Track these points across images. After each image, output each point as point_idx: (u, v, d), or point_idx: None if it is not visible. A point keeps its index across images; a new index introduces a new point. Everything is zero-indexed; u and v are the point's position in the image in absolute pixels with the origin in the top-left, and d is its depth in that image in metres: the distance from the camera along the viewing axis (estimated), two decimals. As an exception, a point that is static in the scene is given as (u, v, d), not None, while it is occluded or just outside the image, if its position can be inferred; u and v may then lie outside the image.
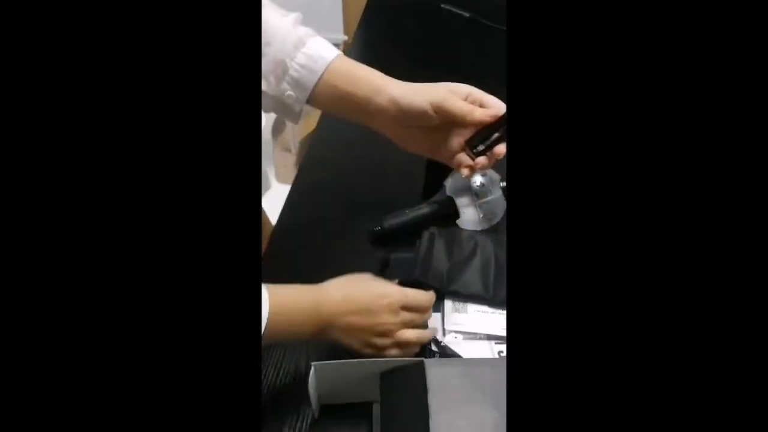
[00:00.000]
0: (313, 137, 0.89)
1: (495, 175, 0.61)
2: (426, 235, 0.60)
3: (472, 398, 0.36)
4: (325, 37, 0.51)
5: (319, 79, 0.49)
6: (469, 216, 0.61)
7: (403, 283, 0.50)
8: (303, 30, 0.51)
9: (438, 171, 0.63)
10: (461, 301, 0.54)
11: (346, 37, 1.58)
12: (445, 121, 0.47)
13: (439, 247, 0.59)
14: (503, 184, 0.61)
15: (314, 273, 0.49)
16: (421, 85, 0.48)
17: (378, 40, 1.21)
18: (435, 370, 0.37)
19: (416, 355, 0.46)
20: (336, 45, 0.51)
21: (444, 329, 0.52)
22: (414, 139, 0.50)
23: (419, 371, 0.38)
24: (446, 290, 0.54)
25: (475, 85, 0.49)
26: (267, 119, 1.32)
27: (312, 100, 0.51)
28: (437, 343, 0.50)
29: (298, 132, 1.91)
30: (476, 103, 0.48)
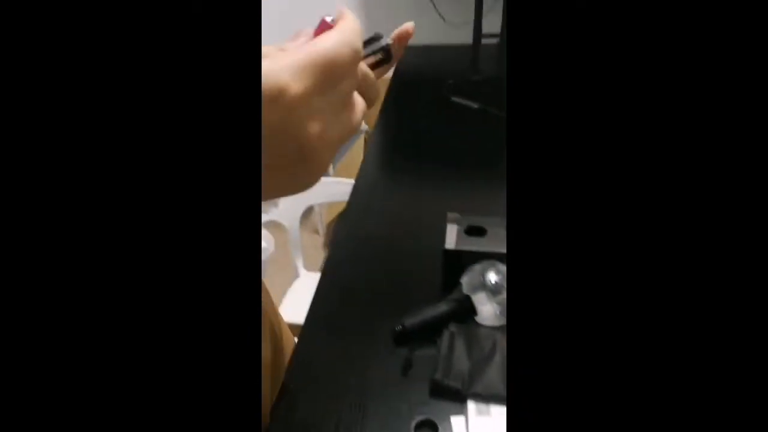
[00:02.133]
0: (337, 223, 0.96)
1: (509, 272, 0.64)
2: (446, 334, 0.62)
3: None
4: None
5: None
6: (486, 313, 0.63)
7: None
8: None
9: (455, 268, 0.67)
10: (484, 403, 0.55)
11: (367, 127, 1.69)
12: None
13: (460, 346, 0.61)
14: (517, 280, 0.63)
15: (340, 374, 0.52)
16: None
17: (396, 128, 1.30)
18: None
19: None
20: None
21: (468, 433, 0.53)
22: None
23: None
24: (468, 392, 0.56)
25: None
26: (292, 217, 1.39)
27: None
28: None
29: (324, 215, 2.00)
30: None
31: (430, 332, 0.63)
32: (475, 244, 0.69)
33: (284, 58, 0.25)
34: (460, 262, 0.67)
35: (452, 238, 0.71)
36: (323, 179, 1.16)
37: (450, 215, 0.75)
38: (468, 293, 0.63)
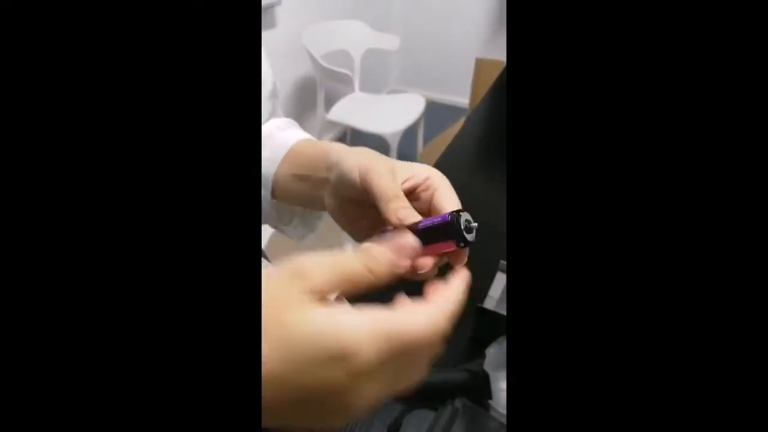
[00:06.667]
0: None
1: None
2: (449, 409, 0.52)
3: None
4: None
5: (277, 168, 0.41)
6: (503, 400, 0.52)
7: None
8: (274, 123, 0.46)
9: (488, 331, 0.55)
10: None
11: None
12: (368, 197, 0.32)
13: (458, 430, 0.51)
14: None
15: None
16: (375, 153, 0.34)
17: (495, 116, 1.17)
18: None
19: None
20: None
21: None
22: (343, 215, 0.36)
23: None
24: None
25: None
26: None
27: (275, 192, 0.43)
28: None
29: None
30: (428, 191, 0.33)
31: (431, 396, 0.54)
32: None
33: (363, 315, 0.22)
34: (494, 327, 0.55)
35: (496, 292, 0.59)
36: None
37: (504, 263, 0.63)
38: (488, 370, 0.52)
